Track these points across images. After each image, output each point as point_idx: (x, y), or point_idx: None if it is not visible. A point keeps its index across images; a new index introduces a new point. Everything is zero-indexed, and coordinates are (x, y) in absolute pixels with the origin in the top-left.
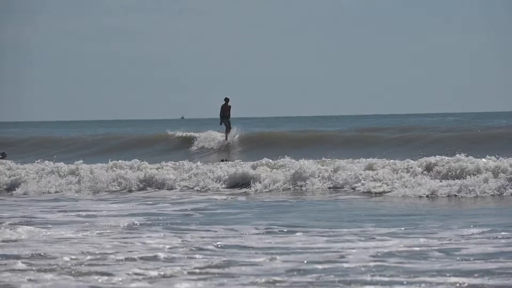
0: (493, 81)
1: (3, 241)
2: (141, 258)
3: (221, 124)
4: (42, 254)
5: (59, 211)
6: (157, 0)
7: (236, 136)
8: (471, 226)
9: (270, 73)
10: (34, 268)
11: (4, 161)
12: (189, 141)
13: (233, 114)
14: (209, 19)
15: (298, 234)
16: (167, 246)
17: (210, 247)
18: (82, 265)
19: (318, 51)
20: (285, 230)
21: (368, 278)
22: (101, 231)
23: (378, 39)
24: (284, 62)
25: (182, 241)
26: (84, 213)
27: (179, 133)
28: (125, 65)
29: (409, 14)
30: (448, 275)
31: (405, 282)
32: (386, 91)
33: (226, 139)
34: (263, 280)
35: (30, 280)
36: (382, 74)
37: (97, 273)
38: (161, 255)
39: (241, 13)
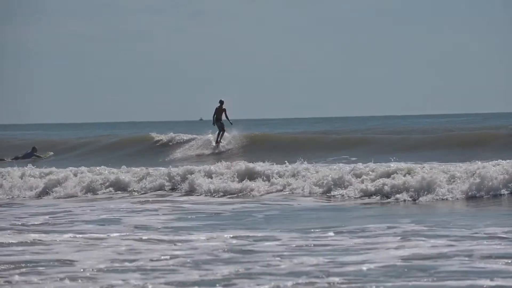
0: (506, 82)
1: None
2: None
3: (213, 124)
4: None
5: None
6: (171, 2)
7: (226, 144)
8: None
9: (288, 74)
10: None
11: (38, 155)
12: (174, 143)
13: (248, 115)
14: (224, 21)
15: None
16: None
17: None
18: (102, 271)
19: (335, 53)
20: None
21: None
22: (135, 232)
23: (384, 39)
24: (297, 64)
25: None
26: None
27: (161, 136)
28: (142, 67)
29: (410, 14)
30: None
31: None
32: (392, 92)
33: (217, 142)
34: (289, 283)
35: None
36: (386, 74)
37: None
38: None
39: (255, 15)
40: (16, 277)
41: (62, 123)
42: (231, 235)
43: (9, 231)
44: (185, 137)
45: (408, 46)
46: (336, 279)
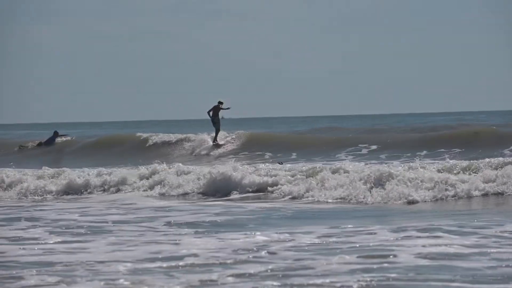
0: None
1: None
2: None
3: (216, 117)
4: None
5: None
6: (190, 1)
7: (225, 143)
8: None
9: (312, 73)
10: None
11: (61, 138)
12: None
13: (267, 113)
14: (242, 20)
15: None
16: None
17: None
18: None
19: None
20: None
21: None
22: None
23: (388, 39)
24: (320, 62)
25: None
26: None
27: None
28: (162, 66)
29: (411, 13)
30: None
31: None
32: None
33: (213, 142)
34: (319, 281)
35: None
36: (389, 73)
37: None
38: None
39: (275, 14)
40: (49, 278)
41: (77, 122)
42: (261, 234)
43: (40, 229)
44: (182, 136)
45: (408, 45)
46: (363, 277)
